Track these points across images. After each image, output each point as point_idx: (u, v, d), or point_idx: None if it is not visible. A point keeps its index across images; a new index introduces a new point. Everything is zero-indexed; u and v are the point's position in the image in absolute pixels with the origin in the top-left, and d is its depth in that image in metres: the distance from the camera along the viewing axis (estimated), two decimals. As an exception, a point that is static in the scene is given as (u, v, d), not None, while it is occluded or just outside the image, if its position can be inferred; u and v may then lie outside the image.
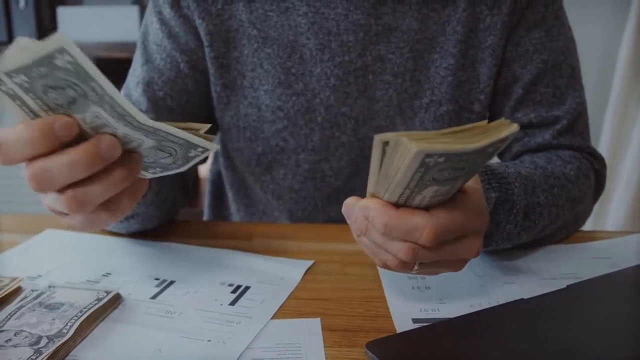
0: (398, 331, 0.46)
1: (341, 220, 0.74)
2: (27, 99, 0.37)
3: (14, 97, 0.37)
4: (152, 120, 0.37)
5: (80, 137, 0.39)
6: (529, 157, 0.67)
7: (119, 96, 0.35)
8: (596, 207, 0.69)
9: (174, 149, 0.41)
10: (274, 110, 0.69)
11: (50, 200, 0.40)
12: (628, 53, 1.67)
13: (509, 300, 0.50)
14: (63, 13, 1.72)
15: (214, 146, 0.41)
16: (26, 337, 0.43)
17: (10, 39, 1.73)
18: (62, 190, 0.39)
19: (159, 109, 0.69)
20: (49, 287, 0.51)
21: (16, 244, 0.62)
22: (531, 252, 0.61)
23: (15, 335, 0.44)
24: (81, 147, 0.37)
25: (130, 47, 1.74)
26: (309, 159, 0.71)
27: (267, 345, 0.44)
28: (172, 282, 0.54)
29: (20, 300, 0.49)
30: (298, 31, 0.67)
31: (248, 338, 0.45)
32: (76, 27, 1.71)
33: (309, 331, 0.46)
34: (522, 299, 0.49)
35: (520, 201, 0.53)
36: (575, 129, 0.69)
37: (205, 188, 0.94)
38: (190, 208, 1.68)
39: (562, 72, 0.69)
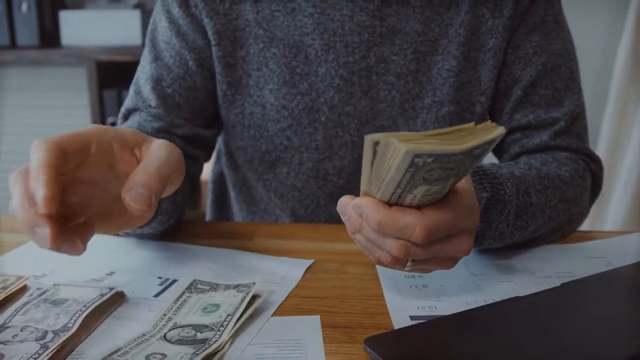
0: (395, 328, 0.47)
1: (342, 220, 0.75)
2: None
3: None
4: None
5: None
6: (526, 158, 0.68)
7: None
8: (595, 207, 0.70)
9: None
10: (279, 109, 0.70)
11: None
12: (627, 53, 1.68)
13: (504, 298, 0.51)
14: (65, 17, 1.73)
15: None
16: (32, 332, 0.44)
17: (12, 42, 1.74)
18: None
19: (168, 105, 0.70)
20: (54, 285, 0.52)
21: (21, 244, 0.63)
22: (527, 251, 0.62)
23: (21, 330, 0.45)
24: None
25: (131, 50, 1.76)
26: (312, 158, 0.72)
27: (268, 341, 0.45)
28: (174, 281, 0.55)
29: (26, 298, 0.50)
30: (304, 32, 0.68)
31: (250, 335, 0.46)
32: (78, 31, 1.73)
33: (308, 328, 0.47)
34: (517, 297, 0.50)
35: (511, 201, 0.54)
36: (573, 131, 0.71)
37: (208, 188, 0.95)
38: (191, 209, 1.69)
39: (561, 74, 0.70)
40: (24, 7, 1.70)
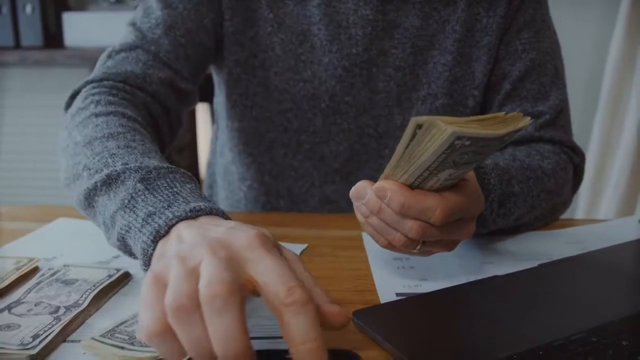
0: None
1: (335, 199, 0.79)
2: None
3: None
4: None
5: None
6: (511, 149, 0.72)
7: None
8: (587, 205, 0.73)
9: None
10: (281, 92, 0.74)
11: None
12: (618, 52, 1.72)
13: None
14: (68, 18, 1.77)
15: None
16: (45, 307, 0.48)
17: (17, 43, 1.78)
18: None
19: (177, 56, 0.71)
20: (64, 266, 0.55)
21: (30, 232, 0.67)
22: (509, 236, 0.65)
23: (35, 305, 0.48)
24: None
25: (133, 51, 1.79)
26: (309, 141, 0.76)
27: (264, 314, 0.48)
28: (176, 263, 0.58)
29: (39, 277, 0.53)
30: (311, 21, 0.72)
31: (254, 306, 0.49)
32: (81, 33, 1.77)
33: (302, 303, 0.50)
34: (496, 276, 0.54)
35: (495, 190, 0.57)
36: (557, 124, 0.74)
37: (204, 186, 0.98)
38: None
39: (547, 71, 0.74)
40: (28, 8, 1.74)
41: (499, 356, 0.40)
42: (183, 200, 0.45)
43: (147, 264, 0.43)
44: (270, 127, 0.77)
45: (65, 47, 1.78)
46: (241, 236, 0.39)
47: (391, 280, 0.55)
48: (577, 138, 0.78)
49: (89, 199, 0.51)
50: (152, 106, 0.68)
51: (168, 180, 0.48)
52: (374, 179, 0.48)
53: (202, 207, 0.44)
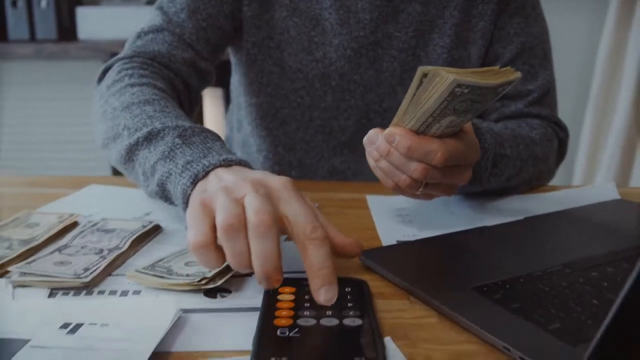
0: (385, 248, 0.57)
1: (343, 171, 0.87)
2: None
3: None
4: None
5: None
6: (503, 122, 0.79)
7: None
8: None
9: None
10: (295, 71, 0.81)
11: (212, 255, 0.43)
12: (607, 48, 1.79)
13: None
14: (81, 13, 1.84)
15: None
16: (91, 249, 0.55)
17: (32, 36, 1.85)
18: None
19: (199, 38, 0.78)
20: (102, 219, 0.62)
21: (65, 196, 0.74)
22: (498, 198, 0.72)
23: (82, 248, 0.55)
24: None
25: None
26: (320, 116, 0.84)
27: (286, 261, 0.55)
28: (201, 219, 0.65)
29: (81, 228, 0.60)
30: (323, 6, 0.79)
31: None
32: (93, 26, 1.83)
33: (314, 248, 0.57)
34: (485, 226, 0.61)
35: (490, 149, 0.64)
36: (545, 102, 0.81)
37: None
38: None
39: (536, 53, 0.81)
40: (43, 3, 1.81)
41: (486, 282, 0.47)
42: (216, 152, 0.52)
43: (186, 202, 0.50)
44: (284, 103, 0.84)
45: (78, 40, 1.85)
46: (276, 180, 0.47)
47: (393, 230, 0.61)
48: (572, 121, 0.85)
49: (130, 153, 0.58)
50: (175, 82, 0.75)
51: (201, 137, 0.55)
52: None
53: (233, 158, 0.51)
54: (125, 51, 0.76)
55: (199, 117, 2.10)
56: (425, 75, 0.46)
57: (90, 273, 0.49)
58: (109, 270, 0.52)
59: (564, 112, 0.86)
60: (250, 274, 0.51)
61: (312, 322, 0.40)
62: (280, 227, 0.44)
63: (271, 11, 0.81)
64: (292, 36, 0.81)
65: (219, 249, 0.43)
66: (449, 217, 0.66)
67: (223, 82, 1.16)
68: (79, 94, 1.98)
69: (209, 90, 0.82)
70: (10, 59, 1.97)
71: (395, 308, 0.46)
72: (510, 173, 0.69)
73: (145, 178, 0.57)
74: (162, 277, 0.49)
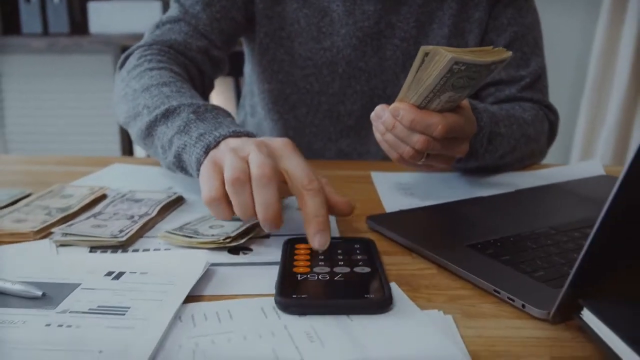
0: (389, 216, 0.63)
1: (349, 153, 0.92)
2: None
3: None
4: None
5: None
6: (498, 105, 0.85)
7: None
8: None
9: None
10: (305, 59, 0.87)
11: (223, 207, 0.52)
12: (601, 45, 1.84)
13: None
14: (93, 7, 1.90)
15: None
16: (123, 215, 0.60)
17: (45, 30, 1.90)
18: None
19: (213, 29, 0.84)
20: (130, 191, 0.68)
21: (91, 174, 0.79)
22: (493, 174, 0.78)
23: (114, 214, 0.61)
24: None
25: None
26: (328, 101, 0.89)
27: (300, 226, 0.61)
28: (219, 192, 0.71)
29: (111, 198, 0.66)
30: None
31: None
32: (105, 20, 1.89)
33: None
34: (480, 197, 0.66)
35: (486, 126, 0.70)
36: (536, 87, 0.87)
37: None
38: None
39: (528, 42, 0.87)
40: (56, -2, 1.87)
41: (479, 241, 0.53)
42: (226, 126, 0.58)
43: (199, 170, 0.56)
44: (294, 89, 0.90)
45: (90, 33, 1.91)
46: (278, 140, 0.54)
47: (396, 201, 0.67)
48: (568, 109, 0.91)
49: (150, 129, 0.64)
50: (190, 68, 0.82)
51: (213, 113, 0.62)
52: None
53: (242, 130, 0.58)
54: (144, 39, 0.82)
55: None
56: (426, 54, 0.52)
57: (126, 234, 0.55)
58: (141, 232, 0.57)
59: (561, 102, 0.92)
60: (268, 236, 0.57)
61: (327, 269, 0.46)
62: (281, 181, 0.51)
63: (282, 4, 0.86)
64: (302, 27, 0.86)
65: (229, 201, 0.51)
66: (448, 190, 0.71)
67: (233, 72, 1.22)
68: (90, 86, 2.04)
69: (220, 79, 0.87)
70: (23, 52, 2.03)
71: (399, 262, 0.51)
72: (504, 151, 0.74)
73: (164, 151, 0.63)
74: (190, 237, 0.54)
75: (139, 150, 1.88)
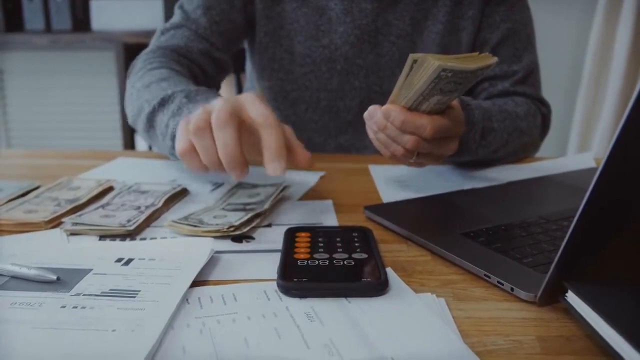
0: (386, 206, 0.65)
1: (348, 147, 0.95)
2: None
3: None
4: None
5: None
6: (491, 100, 0.87)
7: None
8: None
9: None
10: (304, 57, 0.89)
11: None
12: (596, 43, 1.86)
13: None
14: (95, 4, 1.91)
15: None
16: (130, 206, 0.63)
17: (48, 27, 1.92)
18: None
19: (214, 31, 0.87)
20: (136, 183, 0.71)
21: (96, 167, 0.82)
22: (486, 168, 0.80)
23: (122, 205, 0.63)
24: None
25: (154, 34, 1.93)
26: (327, 97, 0.92)
27: (296, 215, 0.63)
28: (222, 184, 0.73)
29: (118, 190, 0.68)
30: None
31: (284, 209, 0.64)
32: (107, 17, 1.91)
33: (324, 206, 0.65)
34: (474, 188, 0.69)
35: (478, 123, 0.72)
36: (529, 81, 0.89)
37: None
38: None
39: (521, 38, 0.89)
40: (58, -5, 1.89)
41: (472, 229, 0.55)
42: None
43: None
44: (294, 86, 0.92)
45: (92, 30, 1.93)
46: (244, 94, 0.56)
47: (393, 193, 0.69)
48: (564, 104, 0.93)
49: (150, 120, 0.69)
50: (193, 68, 0.85)
51: (204, 96, 0.66)
52: None
53: None
54: (150, 46, 0.87)
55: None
56: (415, 61, 0.55)
57: (133, 223, 0.57)
58: (148, 222, 0.60)
59: (557, 97, 0.95)
60: (269, 225, 0.59)
61: (326, 255, 0.49)
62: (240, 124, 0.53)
63: (282, 4, 0.89)
64: (301, 25, 0.89)
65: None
66: (442, 182, 0.74)
67: (235, 69, 1.24)
68: (93, 83, 2.06)
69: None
70: (26, 49, 2.05)
71: (395, 249, 0.54)
72: (498, 145, 0.77)
73: (163, 137, 0.66)
74: (195, 226, 0.57)
75: (140, 145, 1.90)
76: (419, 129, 0.59)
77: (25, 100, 2.13)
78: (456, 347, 0.37)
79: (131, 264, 0.49)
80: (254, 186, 0.70)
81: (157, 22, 1.90)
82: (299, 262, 0.47)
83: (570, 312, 0.39)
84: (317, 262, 0.47)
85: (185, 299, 0.43)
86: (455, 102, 0.63)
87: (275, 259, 0.49)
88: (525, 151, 0.85)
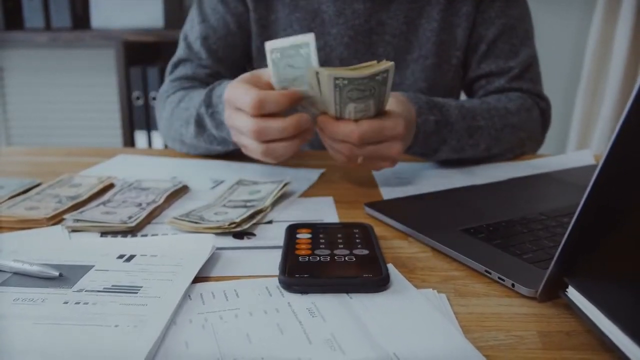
0: (387, 203, 0.66)
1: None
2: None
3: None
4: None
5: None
6: (482, 98, 0.87)
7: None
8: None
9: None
10: None
11: (249, 143, 0.63)
12: (595, 42, 1.86)
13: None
14: (95, 2, 1.91)
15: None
16: (131, 203, 0.63)
17: (47, 25, 1.92)
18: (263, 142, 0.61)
19: (214, 59, 0.90)
20: (136, 180, 0.71)
21: (98, 164, 0.82)
22: (486, 165, 0.81)
23: (123, 202, 0.63)
24: (290, 119, 0.60)
25: (155, 32, 1.94)
26: None
27: (297, 212, 0.63)
28: (223, 181, 0.74)
29: (119, 187, 0.68)
30: (321, 0, 0.87)
31: (285, 206, 0.64)
32: (107, 15, 1.91)
33: (325, 203, 0.65)
34: (474, 185, 0.69)
35: (457, 122, 0.72)
36: (526, 76, 0.89)
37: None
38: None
39: (517, 33, 0.89)
40: (58, -8, 1.88)
41: (472, 225, 0.55)
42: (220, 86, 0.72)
43: None
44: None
45: (92, 28, 1.92)
46: (238, 89, 0.63)
47: (393, 190, 0.70)
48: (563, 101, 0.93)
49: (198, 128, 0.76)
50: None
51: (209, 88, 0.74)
52: None
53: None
54: (166, 79, 0.92)
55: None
56: (317, 73, 0.57)
57: (135, 220, 0.57)
58: (149, 218, 0.60)
59: (557, 94, 0.94)
60: (270, 222, 0.59)
61: (327, 252, 0.49)
62: None
63: (275, 12, 0.90)
64: (295, 30, 0.89)
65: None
66: (443, 180, 0.74)
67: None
68: (92, 80, 2.06)
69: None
70: (26, 47, 2.05)
71: (395, 246, 0.54)
72: (488, 143, 0.77)
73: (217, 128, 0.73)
74: (196, 222, 0.57)
75: (140, 142, 1.90)
76: (348, 136, 0.61)
77: (25, 98, 2.13)
78: (458, 343, 0.37)
79: (133, 260, 0.49)
80: (255, 183, 0.70)
81: (157, 20, 1.90)
82: (300, 258, 0.47)
83: (571, 308, 0.40)
84: (318, 258, 0.47)
85: (187, 295, 0.43)
86: (393, 107, 0.64)
87: (277, 256, 0.49)
88: (523, 147, 0.85)
